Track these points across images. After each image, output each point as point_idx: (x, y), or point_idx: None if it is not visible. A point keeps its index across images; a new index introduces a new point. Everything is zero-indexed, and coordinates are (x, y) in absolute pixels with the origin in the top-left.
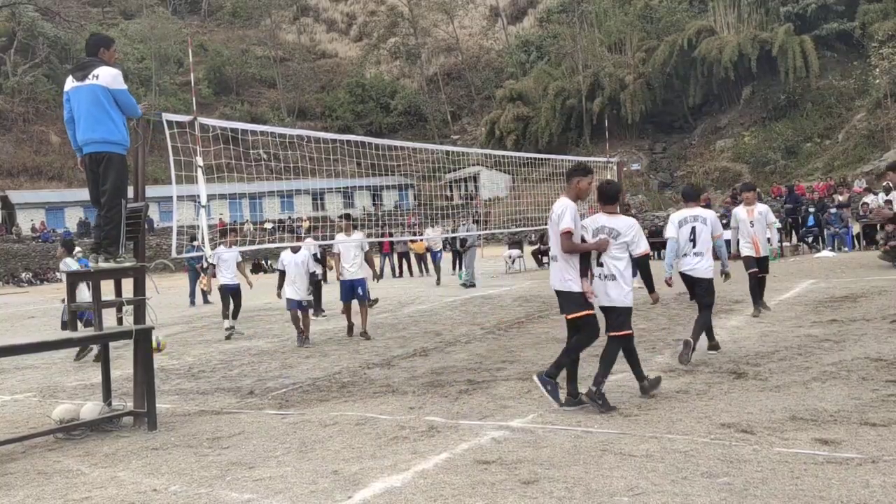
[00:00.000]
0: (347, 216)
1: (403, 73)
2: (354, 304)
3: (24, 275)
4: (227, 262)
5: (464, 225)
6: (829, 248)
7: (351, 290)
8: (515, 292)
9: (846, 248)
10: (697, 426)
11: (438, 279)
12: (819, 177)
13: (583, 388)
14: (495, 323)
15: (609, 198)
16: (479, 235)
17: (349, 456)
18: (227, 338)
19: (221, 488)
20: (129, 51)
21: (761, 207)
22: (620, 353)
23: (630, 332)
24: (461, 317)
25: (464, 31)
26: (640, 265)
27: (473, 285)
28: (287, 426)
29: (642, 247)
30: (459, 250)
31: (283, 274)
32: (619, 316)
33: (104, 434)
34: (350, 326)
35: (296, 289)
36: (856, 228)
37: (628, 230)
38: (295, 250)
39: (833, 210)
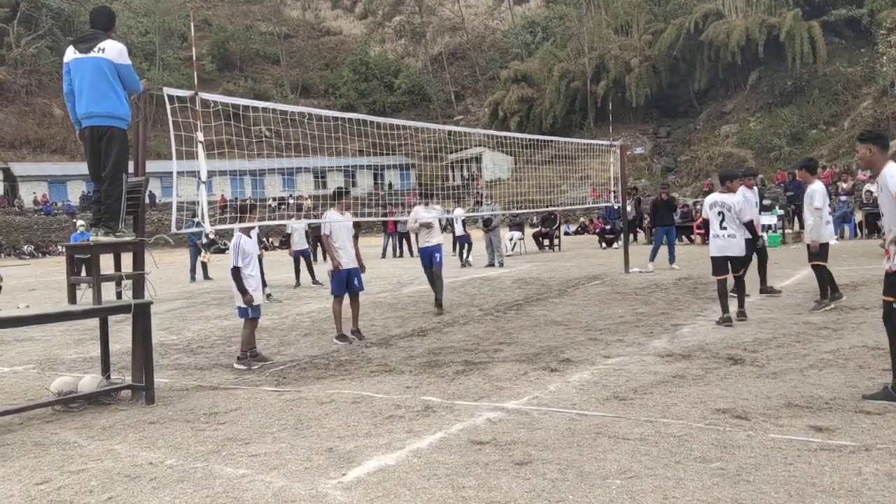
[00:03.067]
0: (346, 192)
1: (408, 52)
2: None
3: (26, 247)
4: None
5: (488, 205)
6: (836, 235)
7: (347, 282)
8: (515, 274)
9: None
10: (692, 411)
11: (439, 300)
12: (824, 164)
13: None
14: (494, 304)
15: (723, 180)
16: (504, 216)
17: (344, 434)
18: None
19: (217, 463)
20: (132, 24)
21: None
22: None
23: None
24: (460, 298)
25: (469, 11)
26: (750, 227)
27: (502, 264)
28: (283, 403)
29: (746, 216)
30: (484, 230)
31: (238, 270)
32: (741, 261)
33: (102, 407)
34: (342, 335)
35: (253, 288)
36: (858, 216)
37: (736, 204)
38: (247, 231)
39: (843, 198)
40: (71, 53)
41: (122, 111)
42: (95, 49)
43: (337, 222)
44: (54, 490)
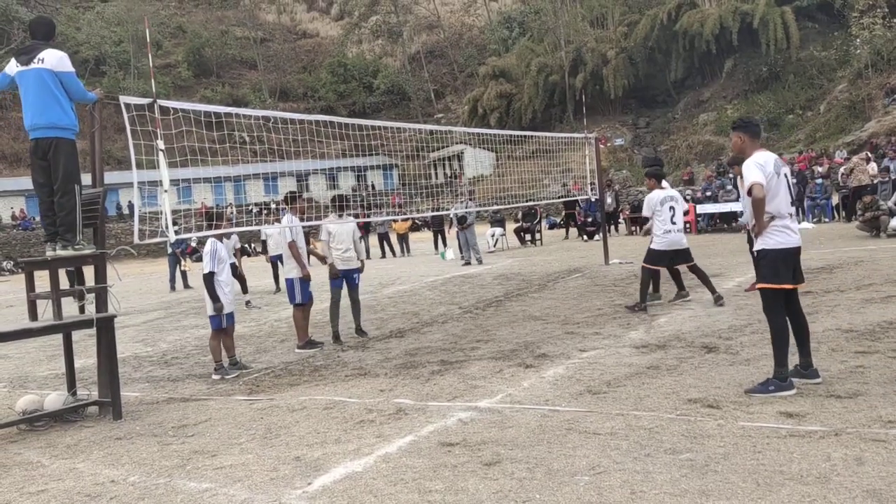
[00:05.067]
0: (299, 196)
1: (385, 52)
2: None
3: (5, 263)
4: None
5: (462, 202)
6: (814, 219)
7: (291, 291)
8: (496, 271)
9: (826, 219)
10: (664, 402)
11: (359, 326)
12: (801, 149)
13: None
14: (474, 302)
15: (660, 178)
16: (479, 212)
17: (313, 441)
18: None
19: (180, 478)
20: (106, 34)
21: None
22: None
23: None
24: (440, 297)
25: (445, 8)
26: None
27: (480, 261)
28: (255, 412)
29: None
30: (458, 228)
31: (212, 276)
32: (688, 253)
33: (69, 425)
34: (309, 340)
35: (226, 296)
36: (835, 199)
37: (680, 197)
38: (224, 238)
39: (819, 181)
40: (14, 66)
41: (65, 121)
42: (35, 60)
43: (297, 227)
44: None
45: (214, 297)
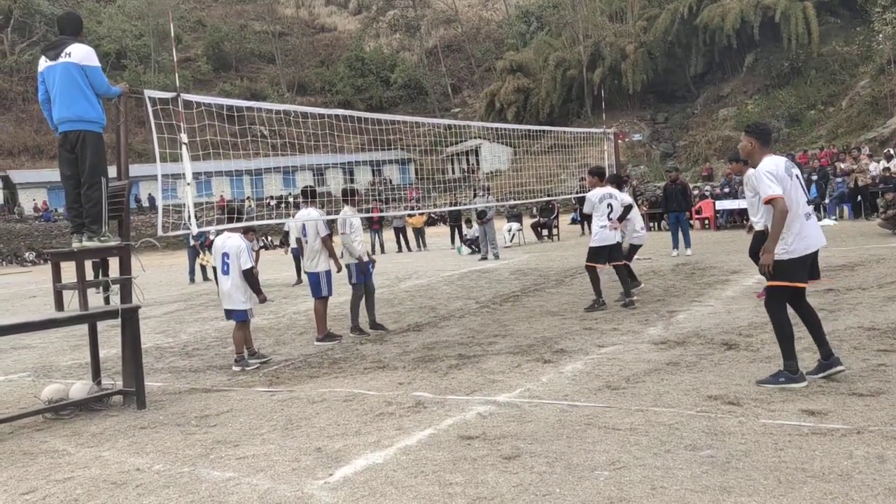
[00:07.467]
0: (315, 190)
1: (403, 46)
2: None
3: (27, 254)
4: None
5: (481, 196)
6: (833, 216)
7: (316, 285)
8: (513, 266)
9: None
10: (684, 399)
11: (374, 320)
12: (822, 145)
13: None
14: (491, 297)
15: (602, 176)
16: (499, 207)
17: (334, 433)
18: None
19: (204, 467)
20: (126, 27)
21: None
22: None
23: None
24: (457, 291)
25: (463, 2)
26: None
27: (497, 256)
28: (275, 403)
29: (628, 200)
30: (478, 222)
31: (252, 270)
32: (620, 249)
33: (93, 413)
34: (328, 333)
35: (237, 291)
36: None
37: (619, 196)
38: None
39: (839, 180)
40: (43, 62)
41: (92, 114)
42: (63, 54)
43: (312, 221)
44: (40, 500)
45: (258, 290)
